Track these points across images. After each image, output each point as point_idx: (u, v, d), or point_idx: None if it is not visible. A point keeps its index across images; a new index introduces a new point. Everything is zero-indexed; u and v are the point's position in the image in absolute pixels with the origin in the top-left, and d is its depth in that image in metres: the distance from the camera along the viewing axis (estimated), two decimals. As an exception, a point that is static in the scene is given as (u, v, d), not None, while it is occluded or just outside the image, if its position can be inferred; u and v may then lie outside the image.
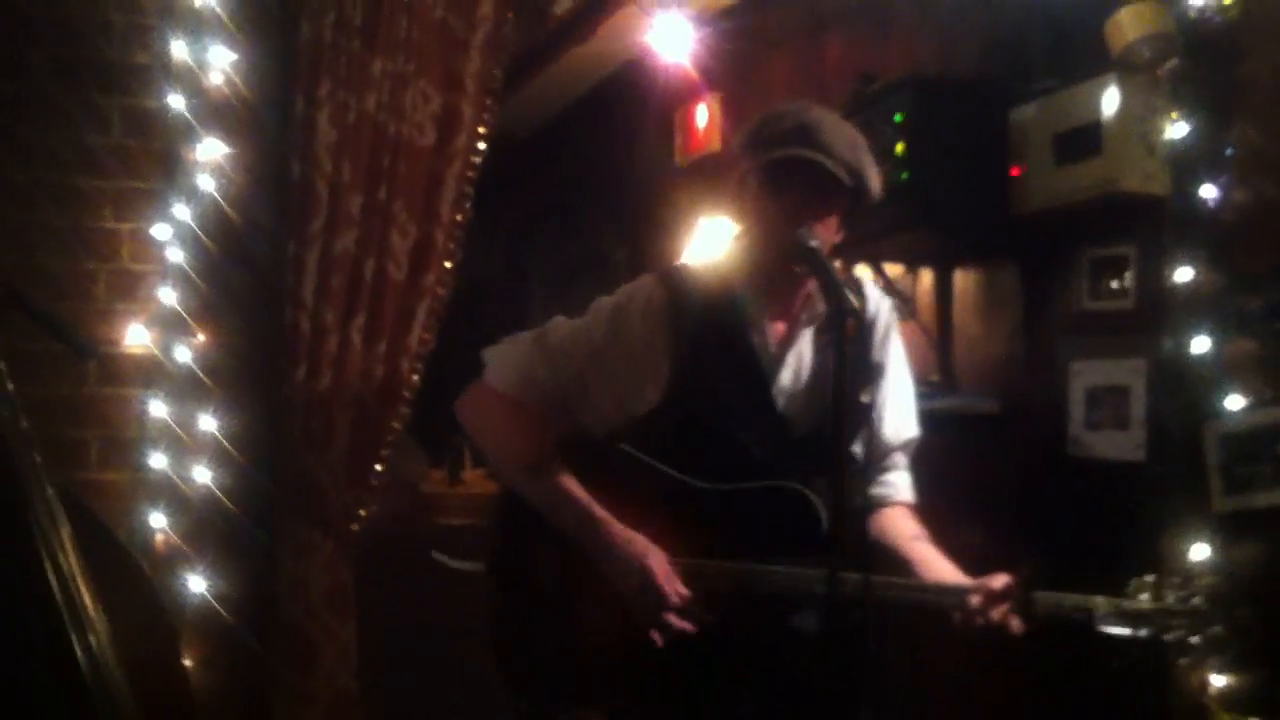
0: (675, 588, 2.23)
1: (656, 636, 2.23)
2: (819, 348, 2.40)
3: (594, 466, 2.35)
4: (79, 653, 2.54)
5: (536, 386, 2.37)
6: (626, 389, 2.36)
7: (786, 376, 2.38)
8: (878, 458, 2.44)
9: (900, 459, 2.48)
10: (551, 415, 2.39)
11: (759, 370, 2.37)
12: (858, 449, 2.34)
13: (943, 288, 4.18)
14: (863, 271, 4.40)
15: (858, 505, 2.08)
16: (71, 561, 2.57)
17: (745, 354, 2.37)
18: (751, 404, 2.36)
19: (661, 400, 2.35)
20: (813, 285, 2.37)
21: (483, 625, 2.47)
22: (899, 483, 2.48)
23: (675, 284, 2.40)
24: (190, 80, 3.66)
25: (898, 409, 2.47)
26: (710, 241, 4.99)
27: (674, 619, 2.22)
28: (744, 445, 2.33)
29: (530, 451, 2.37)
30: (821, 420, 2.34)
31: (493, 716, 2.66)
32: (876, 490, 2.47)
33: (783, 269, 2.33)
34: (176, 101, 3.65)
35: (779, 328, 2.40)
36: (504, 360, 2.42)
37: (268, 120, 3.71)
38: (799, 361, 2.39)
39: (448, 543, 3.04)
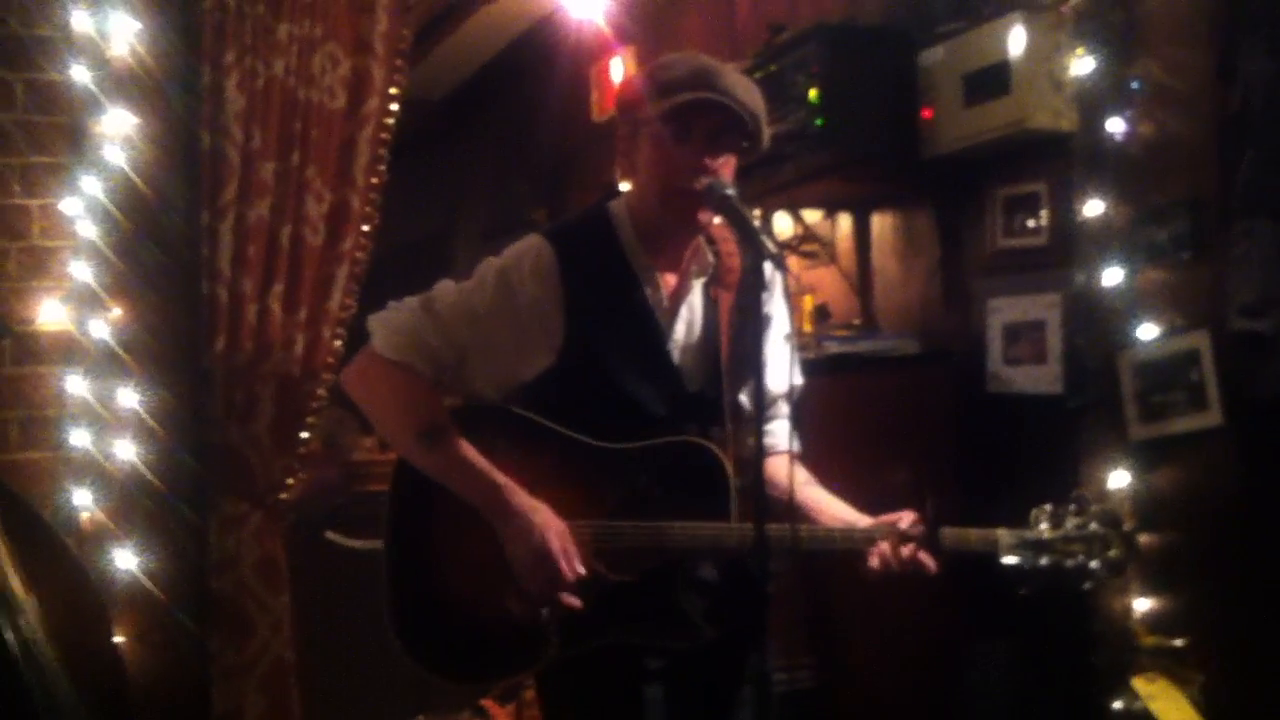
0: (572, 564, 2.19)
1: (544, 612, 2.20)
2: (708, 300, 2.40)
3: (489, 433, 2.28)
4: (9, 634, 2.52)
5: (427, 352, 2.28)
6: (518, 351, 2.30)
7: (680, 330, 2.36)
8: (763, 407, 2.44)
9: (783, 408, 2.48)
10: (442, 382, 2.33)
11: (654, 325, 2.33)
12: (744, 399, 2.37)
13: (861, 232, 4.22)
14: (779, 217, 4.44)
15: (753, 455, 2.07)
16: (-3, 544, 2.54)
17: (640, 309, 2.33)
18: (648, 360, 2.33)
19: (556, 360, 2.31)
20: (700, 238, 2.36)
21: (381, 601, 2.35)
22: (782, 431, 2.48)
23: (563, 242, 2.34)
24: (94, 52, 3.59)
25: (781, 358, 2.46)
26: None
27: (565, 597, 2.18)
28: (642, 402, 2.30)
29: (424, 420, 2.27)
30: (713, 373, 2.34)
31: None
32: (766, 440, 2.46)
33: (679, 219, 2.31)
34: (81, 74, 3.58)
35: (669, 280, 2.37)
36: (391, 327, 2.31)
37: (174, 90, 3.65)
38: (691, 314, 2.37)
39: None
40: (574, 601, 2.19)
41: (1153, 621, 3.11)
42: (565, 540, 2.21)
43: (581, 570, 2.20)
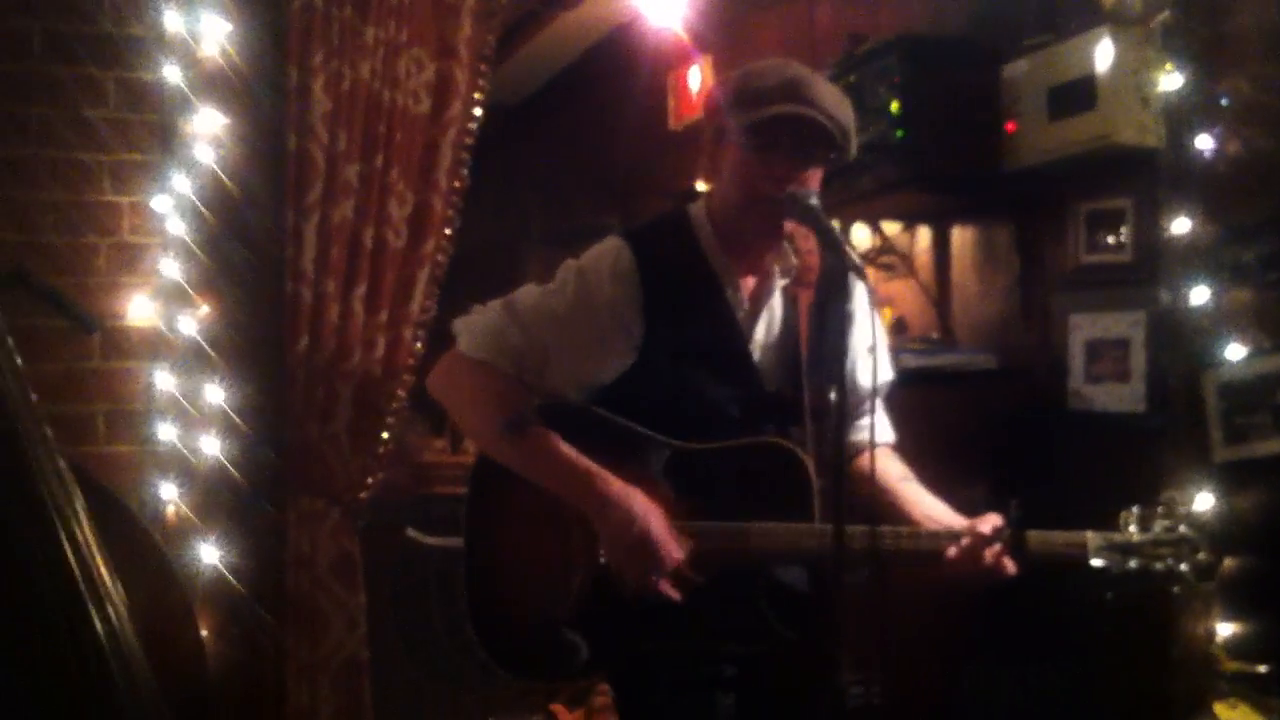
0: (672, 551, 2.18)
1: (654, 590, 2.17)
2: (787, 298, 2.39)
3: (569, 431, 2.28)
4: (98, 624, 2.55)
5: (511, 352, 2.30)
6: (598, 351, 2.32)
7: (760, 331, 2.36)
8: (854, 404, 2.43)
9: (876, 402, 2.47)
10: (525, 381, 2.33)
11: (734, 327, 2.34)
12: (831, 398, 2.35)
13: (940, 245, 4.20)
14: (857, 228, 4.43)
15: (837, 457, 2.05)
16: (87, 533, 2.58)
17: (720, 311, 2.34)
18: (728, 361, 2.34)
19: (635, 360, 2.32)
20: (785, 241, 2.36)
21: (462, 599, 2.35)
22: (878, 425, 2.46)
23: (642, 243, 2.36)
24: (185, 51, 3.65)
25: (865, 358, 2.45)
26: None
27: (664, 585, 2.17)
28: (722, 402, 2.31)
29: (511, 412, 2.28)
30: (792, 372, 2.34)
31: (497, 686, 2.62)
32: (857, 436, 2.46)
33: (765, 225, 2.32)
34: (172, 73, 3.64)
35: (750, 282, 2.37)
36: (476, 328, 2.35)
37: (262, 90, 3.70)
38: (771, 316, 2.38)
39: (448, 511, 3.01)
40: (672, 592, 2.18)
41: (1235, 647, 3.07)
42: (665, 526, 2.20)
43: (681, 556, 2.19)
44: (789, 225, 2.31)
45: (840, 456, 2.00)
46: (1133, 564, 2.19)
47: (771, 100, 2.22)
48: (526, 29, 6.02)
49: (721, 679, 2.33)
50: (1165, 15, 3.32)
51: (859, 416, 2.45)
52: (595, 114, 6.86)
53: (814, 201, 2.18)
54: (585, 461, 2.25)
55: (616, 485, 2.22)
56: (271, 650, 3.63)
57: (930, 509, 2.35)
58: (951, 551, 2.22)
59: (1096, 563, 2.20)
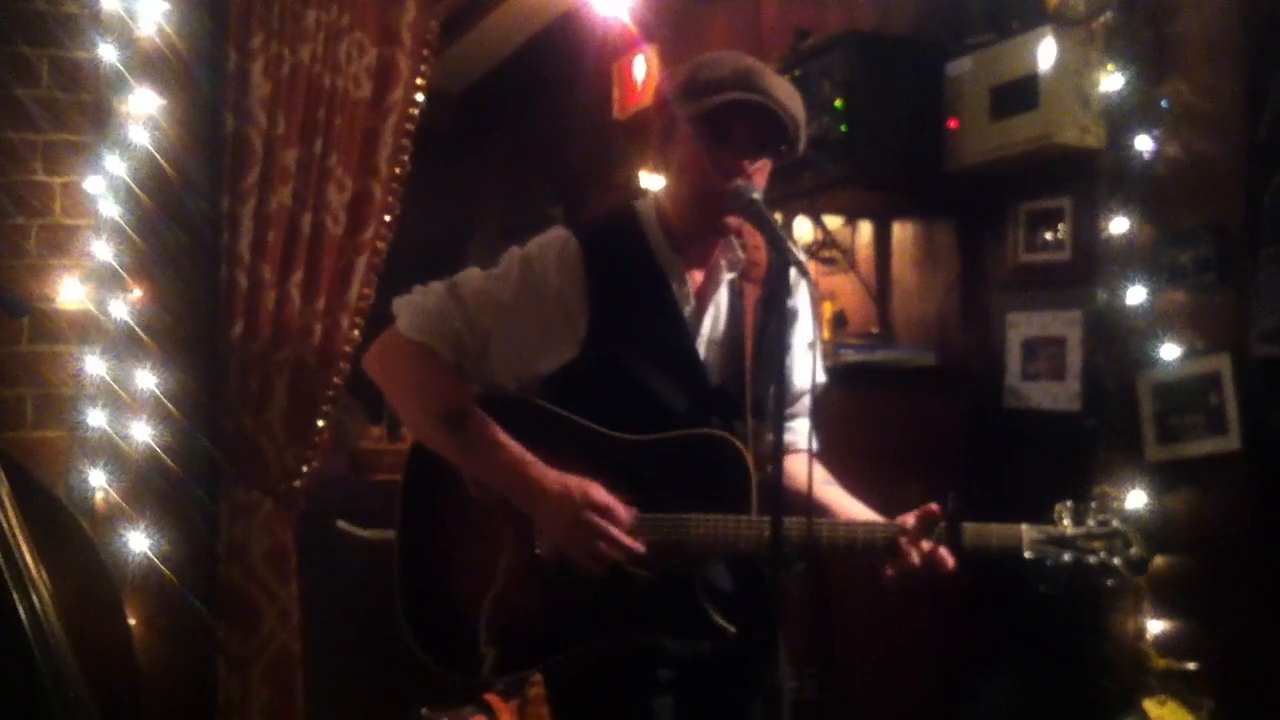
0: (618, 512, 2.17)
1: (605, 558, 2.16)
2: (734, 293, 2.39)
3: (507, 423, 2.25)
4: (21, 612, 2.50)
5: (451, 336, 2.26)
6: (541, 340, 2.29)
7: (706, 326, 2.35)
8: (786, 404, 2.42)
9: (804, 405, 2.46)
10: (464, 368, 2.29)
11: (680, 321, 2.32)
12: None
13: (881, 241, 4.22)
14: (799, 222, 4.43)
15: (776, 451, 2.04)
16: (10, 520, 2.53)
17: (666, 305, 2.32)
18: (673, 355, 2.32)
19: (578, 352, 2.29)
20: (732, 236, 2.35)
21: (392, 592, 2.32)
22: (803, 429, 2.46)
23: (589, 234, 2.34)
24: (121, 31, 3.57)
25: (805, 355, 2.44)
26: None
27: (623, 541, 2.16)
28: (664, 396, 2.29)
29: (448, 400, 2.25)
30: (737, 368, 2.33)
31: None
32: (787, 437, 2.45)
33: (710, 219, 2.29)
34: (107, 52, 3.56)
35: (697, 277, 2.36)
36: (417, 309, 2.30)
37: (200, 72, 3.64)
38: (718, 310, 2.36)
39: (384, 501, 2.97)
40: (637, 545, 2.17)
41: (1164, 645, 3.10)
42: (605, 493, 2.19)
43: (628, 517, 2.18)
44: (735, 220, 2.30)
45: (779, 451, 1.99)
46: (1066, 557, 2.20)
47: (724, 88, 2.20)
48: (471, 15, 5.98)
49: (658, 683, 2.31)
50: (1108, 17, 3.35)
51: (791, 417, 2.44)
52: (540, 103, 6.84)
53: (756, 196, 2.17)
54: (522, 451, 2.22)
55: (552, 472, 2.20)
56: (203, 641, 3.58)
57: (856, 511, 2.34)
58: (893, 547, 2.21)
59: (1030, 555, 2.21)
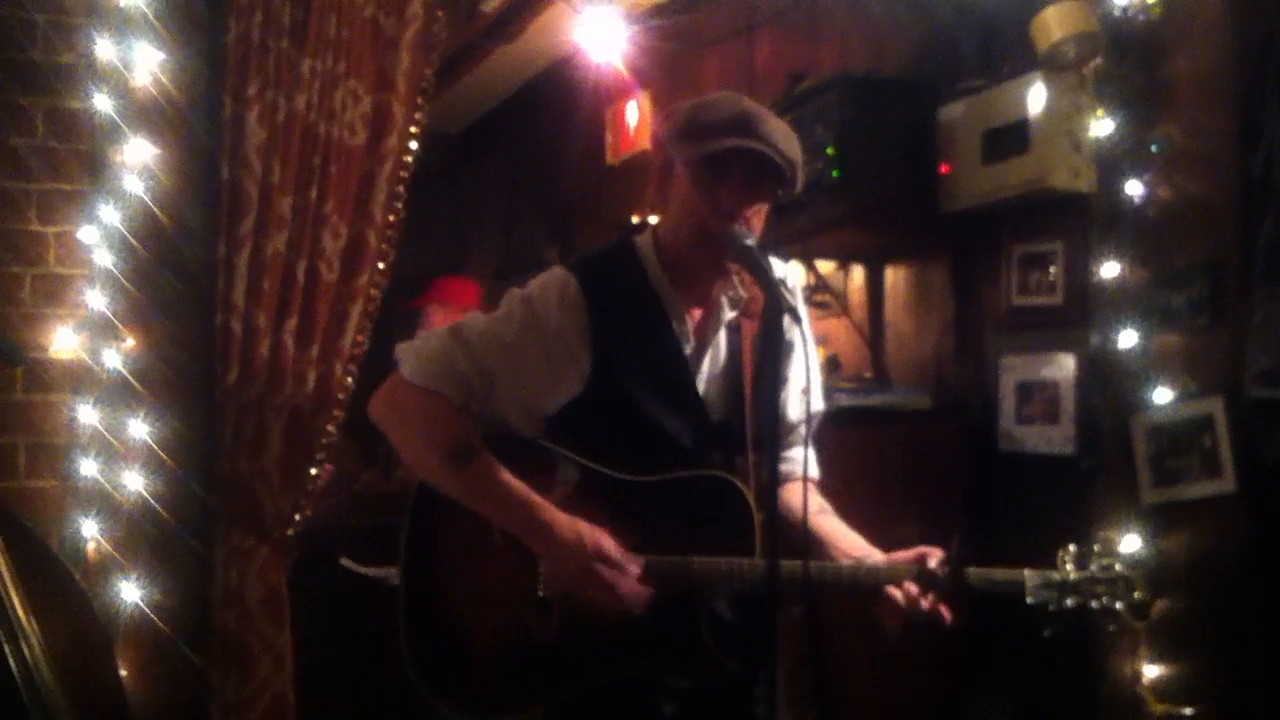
0: (628, 565, 2.19)
1: (611, 608, 2.18)
2: (732, 329, 2.39)
3: (512, 463, 2.27)
4: (11, 662, 2.50)
5: (457, 379, 2.28)
6: (545, 379, 2.30)
7: (706, 363, 2.36)
8: (782, 434, 2.43)
9: (801, 434, 2.47)
10: (470, 409, 2.30)
11: (680, 358, 2.34)
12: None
13: (874, 284, 4.23)
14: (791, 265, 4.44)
15: (771, 490, 2.06)
16: (2, 570, 2.53)
17: (666, 342, 2.33)
18: (674, 392, 2.33)
19: (582, 390, 2.30)
20: (732, 273, 2.36)
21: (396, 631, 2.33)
22: (799, 458, 2.46)
23: (589, 273, 2.35)
24: (116, 80, 3.59)
25: (801, 385, 2.45)
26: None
27: (635, 587, 2.17)
28: (667, 432, 2.30)
29: (455, 441, 2.26)
30: (736, 403, 2.34)
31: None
32: (784, 467, 2.45)
33: (709, 258, 2.29)
34: (103, 102, 3.57)
35: (697, 314, 2.37)
36: (421, 354, 2.32)
37: (196, 121, 3.64)
38: (717, 347, 2.38)
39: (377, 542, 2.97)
40: (644, 596, 2.18)
41: (1162, 688, 3.09)
42: (614, 544, 2.20)
43: (638, 569, 2.19)
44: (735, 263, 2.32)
45: (774, 489, 2.00)
46: (1069, 602, 2.20)
47: (724, 133, 2.21)
48: (465, 61, 6.01)
49: (661, 716, 2.31)
50: (1098, 61, 3.37)
51: (787, 447, 2.45)
52: (535, 146, 6.88)
53: (750, 242, 2.18)
54: (530, 493, 2.24)
55: (562, 516, 2.22)
56: (196, 689, 3.55)
57: (851, 543, 2.35)
58: (894, 593, 2.21)
59: (1032, 600, 2.20)
